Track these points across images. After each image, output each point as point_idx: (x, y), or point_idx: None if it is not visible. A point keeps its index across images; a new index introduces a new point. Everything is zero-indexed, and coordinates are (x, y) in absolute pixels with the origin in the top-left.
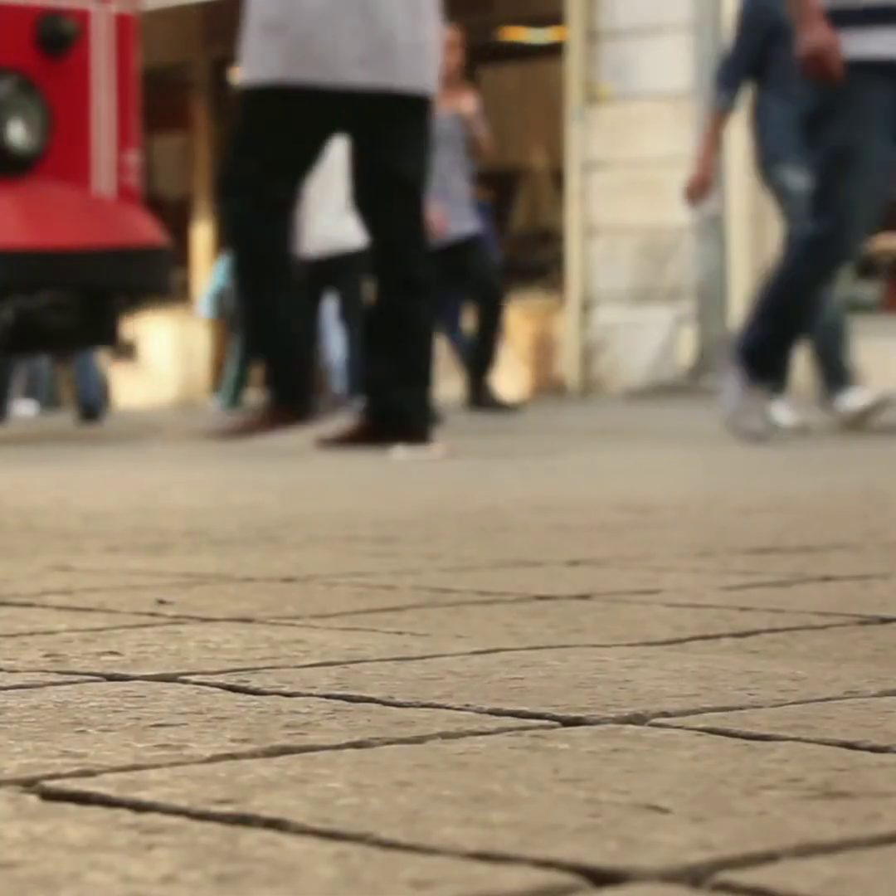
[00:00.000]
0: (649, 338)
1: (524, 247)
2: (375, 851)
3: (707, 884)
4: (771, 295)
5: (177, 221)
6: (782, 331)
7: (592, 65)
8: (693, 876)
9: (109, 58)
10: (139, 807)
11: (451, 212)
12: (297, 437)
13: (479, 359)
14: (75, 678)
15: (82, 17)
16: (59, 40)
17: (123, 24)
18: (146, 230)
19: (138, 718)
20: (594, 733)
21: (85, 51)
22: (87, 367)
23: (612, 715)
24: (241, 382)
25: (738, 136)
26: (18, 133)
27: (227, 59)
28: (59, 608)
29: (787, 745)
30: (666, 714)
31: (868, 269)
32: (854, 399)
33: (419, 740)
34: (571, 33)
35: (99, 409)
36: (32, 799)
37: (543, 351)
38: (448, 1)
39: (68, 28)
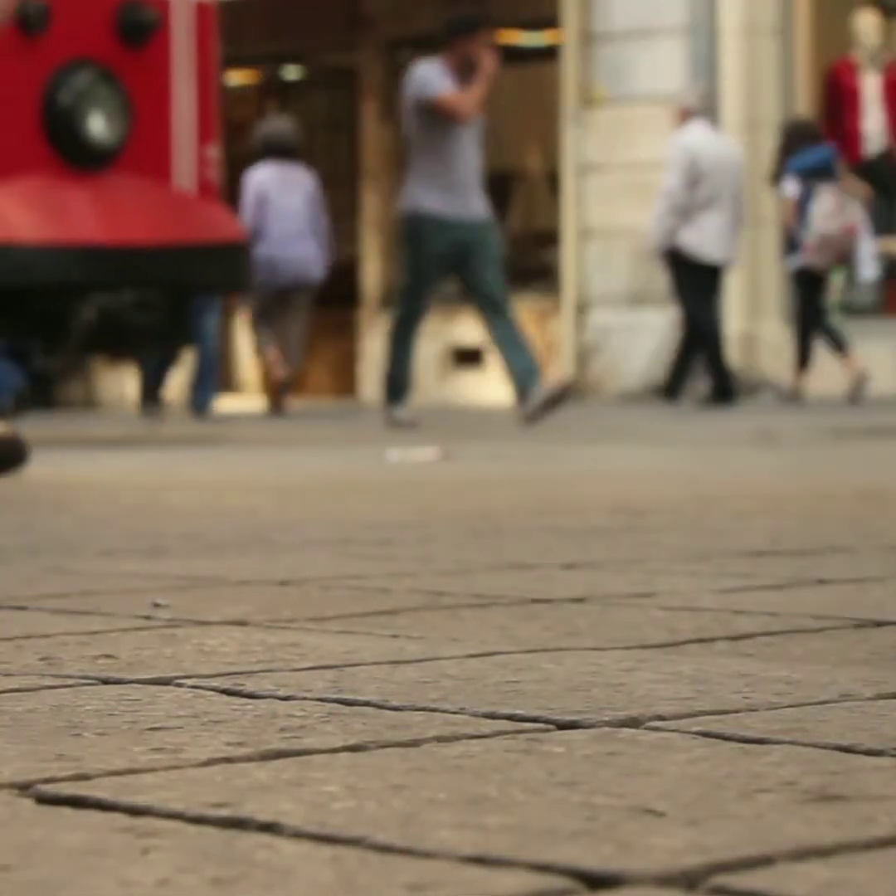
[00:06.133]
0: (644, 340)
1: (519, 250)
2: (371, 855)
3: (702, 887)
4: None
5: None
6: None
7: (587, 67)
8: (688, 879)
9: (190, 48)
10: (135, 810)
11: None
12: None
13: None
14: (71, 681)
15: (162, 5)
16: (140, 29)
17: (203, 14)
18: (228, 226)
19: (134, 722)
20: (589, 737)
21: (165, 40)
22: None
23: (608, 718)
24: None
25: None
26: (99, 125)
27: (223, 60)
28: (55, 611)
29: (782, 749)
30: (661, 717)
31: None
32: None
33: (415, 744)
34: (566, 36)
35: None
36: (28, 803)
37: (540, 354)
38: (443, 3)
39: (149, 17)
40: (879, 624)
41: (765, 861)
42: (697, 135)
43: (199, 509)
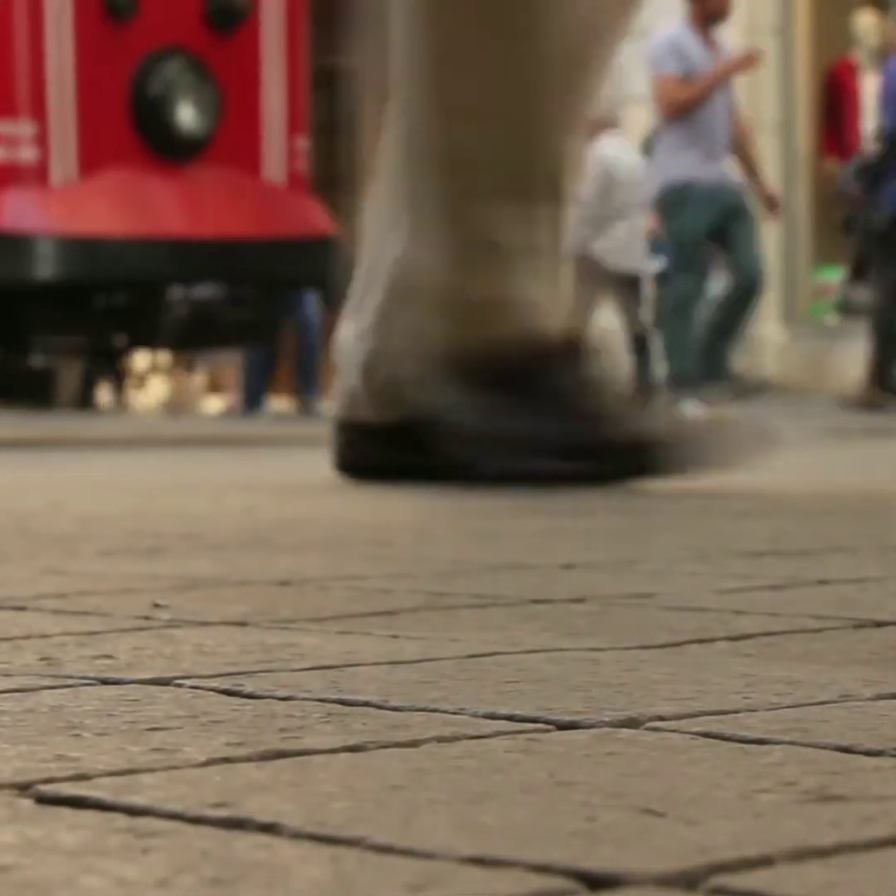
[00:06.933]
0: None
1: None
2: (370, 855)
3: (702, 887)
4: None
5: None
6: None
7: None
8: (688, 880)
9: (279, 35)
10: (133, 811)
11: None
12: None
13: None
14: (70, 682)
15: None
16: (230, 17)
17: (293, 1)
18: (318, 219)
19: (133, 722)
20: (589, 737)
21: (255, 28)
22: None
23: (608, 718)
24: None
25: None
26: (188, 116)
27: None
28: (54, 612)
29: (781, 749)
30: (661, 718)
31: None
32: None
33: (414, 744)
34: None
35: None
36: (27, 803)
37: None
38: None
39: (239, 4)
40: (879, 624)
41: (765, 861)
42: (612, 146)
43: (200, 509)
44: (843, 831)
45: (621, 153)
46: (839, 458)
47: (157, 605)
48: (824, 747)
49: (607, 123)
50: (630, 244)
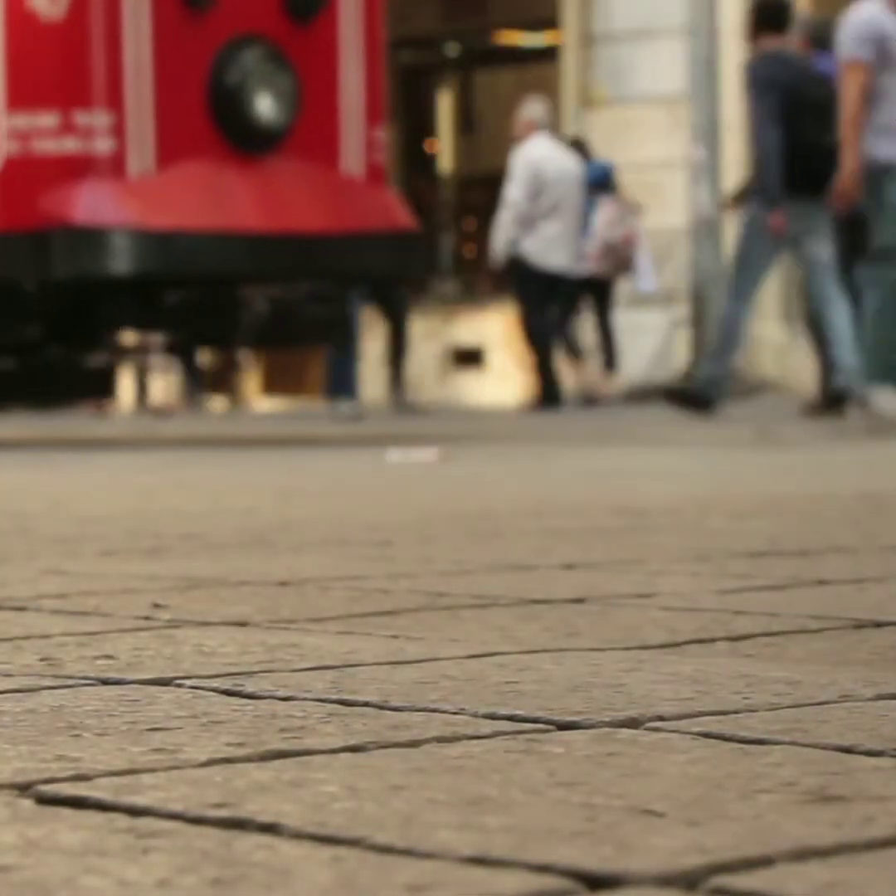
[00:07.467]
0: (645, 341)
1: None
2: (370, 855)
3: (702, 888)
4: None
5: None
6: None
7: (587, 68)
8: (688, 880)
9: (357, 25)
10: (134, 811)
11: None
12: None
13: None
14: (70, 682)
15: None
16: (308, 5)
17: None
18: (398, 213)
19: (133, 722)
20: (589, 737)
21: (333, 17)
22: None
23: (608, 719)
24: None
25: (734, 139)
26: (266, 106)
27: None
28: (55, 612)
29: (781, 749)
30: (661, 718)
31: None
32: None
33: (414, 744)
34: (566, 37)
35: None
36: (28, 803)
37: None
38: (443, 4)
39: None
40: (879, 624)
41: (765, 861)
42: (541, 148)
43: (199, 509)
44: (843, 831)
45: (549, 154)
46: (839, 458)
47: (157, 606)
48: (824, 747)
49: (539, 125)
50: (558, 244)
